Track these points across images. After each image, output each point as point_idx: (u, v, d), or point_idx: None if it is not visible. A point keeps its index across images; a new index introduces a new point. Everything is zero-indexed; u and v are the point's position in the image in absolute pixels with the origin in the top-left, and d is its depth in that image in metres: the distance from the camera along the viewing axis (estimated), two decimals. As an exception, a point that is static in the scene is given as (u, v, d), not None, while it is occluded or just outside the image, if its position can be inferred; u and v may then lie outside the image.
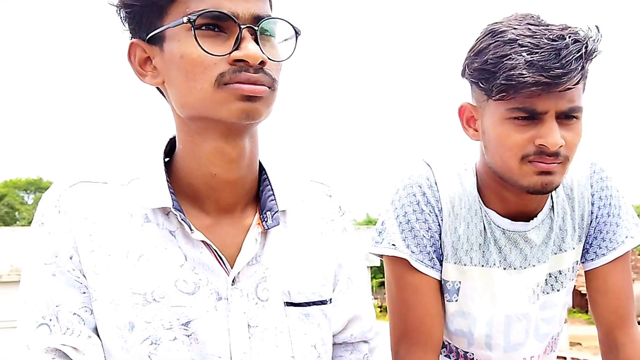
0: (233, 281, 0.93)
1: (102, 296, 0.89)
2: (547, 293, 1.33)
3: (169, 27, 0.85)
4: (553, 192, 1.23)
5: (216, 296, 0.92)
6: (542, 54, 1.03)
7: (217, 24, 0.85)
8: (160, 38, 0.88)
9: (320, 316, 1.00)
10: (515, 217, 1.24)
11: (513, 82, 1.04)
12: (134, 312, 0.88)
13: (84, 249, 0.90)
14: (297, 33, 0.90)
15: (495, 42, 1.08)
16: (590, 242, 1.32)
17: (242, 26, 0.84)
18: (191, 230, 0.91)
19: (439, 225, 1.25)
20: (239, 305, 0.93)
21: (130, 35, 0.93)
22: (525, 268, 1.28)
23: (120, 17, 0.92)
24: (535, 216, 1.25)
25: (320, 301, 1.01)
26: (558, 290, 1.34)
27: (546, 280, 1.31)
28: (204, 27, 0.84)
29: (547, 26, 1.08)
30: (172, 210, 0.90)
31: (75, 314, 0.89)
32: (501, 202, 1.24)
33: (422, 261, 1.24)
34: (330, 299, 1.03)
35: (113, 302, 0.89)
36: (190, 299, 0.90)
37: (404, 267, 1.23)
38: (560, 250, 1.30)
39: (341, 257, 1.07)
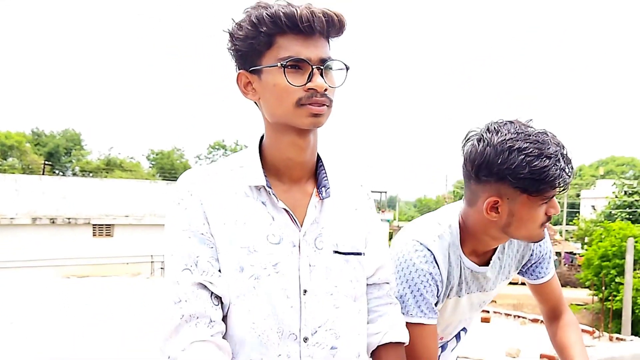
0: (303, 235, 1.34)
1: (223, 250, 1.28)
2: (485, 302, 1.91)
3: (267, 67, 1.26)
4: (500, 247, 1.78)
5: (292, 245, 1.32)
6: (567, 167, 1.49)
7: (297, 64, 1.24)
8: (259, 71, 1.28)
9: (355, 262, 1.40)
10: (478, 262, 1.74)
11: (555, 188, 1.49)
12: (243, 259, 1.28)
13: (211, 219, 1.29)
14: (347, 68, 1.31)
15: (529, 155, 1.46)
16: (532, 269, 1.89)
17: (313, 66, 1.24)
18: (277, 200, 1.32)
19: (440, 287, 1.67)
20: (305, 251, 1.33)
21: (237, 66, 1.33)
22: (481, 292, 1.80)
23: (232, 55, 1.32)
24: (490, 261, 1.76)
25: (357, 252, 1.41)
26: (489, 298, 1.92)
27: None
28: (289, 67, 1.24)
29: (545, 139, 1.49)
30: (265, 187, 1.31)
31: (208, 261, 1.27)
32: (472, 253, 1.72)
33: (431, 317, 1.64)
34: (363, 253, 1.44)
35: (230, 253, 1.28)
36: (276, 247, 1.30)
37: (418, 326, 1.62)
38: (504, 279, 1.86)
39: (370, 226, 1.49)
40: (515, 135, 1.49)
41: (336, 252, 1.37)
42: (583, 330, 9.41)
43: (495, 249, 1.77)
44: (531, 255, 1.87)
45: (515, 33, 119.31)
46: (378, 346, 1.46)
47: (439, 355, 1.98)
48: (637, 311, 21.16)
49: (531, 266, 1.89)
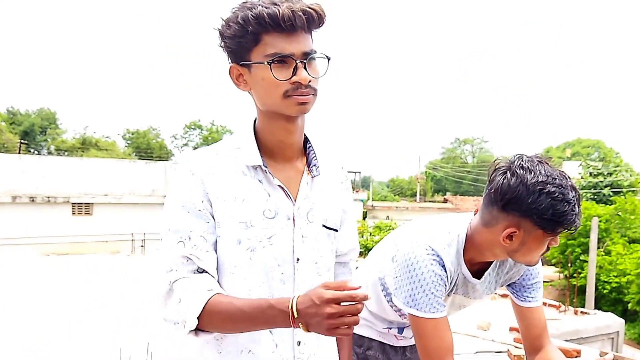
0: (297, 209, 1.46)
1: (222, 225, 1.39)
2: (465, 306, 2.05)
3: (255, 63, 1.36)
4: (497, 264, 1.93)
5: (287, 218, 1.44)
6: (579, 211, 1.64)
7: (282, 59, 1.33)
8: (248, 65, 1.38)
9: (333, 237, 1.57)
10: (471, 271, 1.87)
11: (570, 226, 1.63)
12: (240, 233, 1.39)
13: (212, 196, 1.39)
14: (328, 58, 1.40)
15: (554, 199, 1.59)
16: (520, 289, 1.99)
17: (297, 61, 1.34)
18: (273, 178, 1.43)
19: (446, 287, 1.81)
20: (298, 223, 1.45)
21: (229, 59, 1.42)
22: (465, 296, 1.95)
23: (223, 50, 1.42)
24: (482, 276, 1.90)
25: (335, 229, 1.58)
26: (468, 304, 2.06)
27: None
28: (275, 62, 1.33)
29: (567, 183, 1.62)
30: (262, 166, 1.42)
31: (201, 236, 1.37)
32: (469, 262, 1.84)
33: (442, 311, 1.77)
34: (337, 230, 1.60)
35: (228, 228, 1.39)
36: (272, 221, 1.42)
37: (432, 320, 1.77)
38: (488, 293, 1.99)
39: (346, 206, 1.65)
40: (545, 178, 1.60)
41: (324, 226, 1.52)
42: (550, 305, 9.76)
43: (490, 263, 1.90)
44: (520, 277, 1.99)
45: (512, 27, 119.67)
46: None
47: (404, 329, 2.17)
48: (599, 287, 21.77)
49: (518, 285, 2.00)
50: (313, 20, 1.35)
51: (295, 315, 1.21)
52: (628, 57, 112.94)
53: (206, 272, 1.38)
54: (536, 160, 1.65)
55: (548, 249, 1.72)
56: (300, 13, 1.32)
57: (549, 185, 1.60)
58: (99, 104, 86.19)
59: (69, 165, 20.52)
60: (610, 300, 22.24)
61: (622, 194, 33.31)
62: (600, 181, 36.61)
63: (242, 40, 1.35)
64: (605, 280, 22.38)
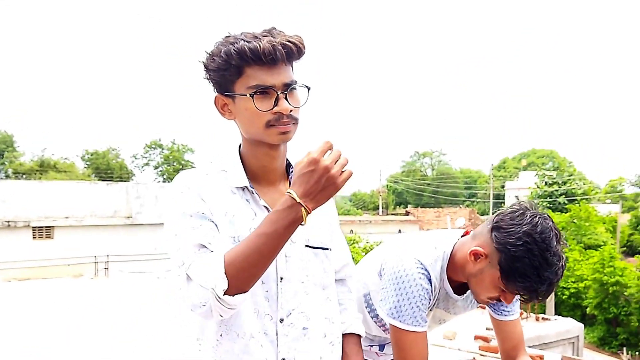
0: None
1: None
2: (445, 320, 2.09)
3: (238, 94, 1.41)
4: None
5: None
6: (548, 285, 1.63)
7: (264, 91, 1.39)
8: (232, 96, 1.43)
9: (323, 256, 1.58)
10: (453, 288, 1.91)
11: (522, 293, 1.66)
12: (229, 247, 1.36)
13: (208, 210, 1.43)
14: (308, 88, 1.45)
15: (529, 261, 1.59)
16: (498, 305, 2.01)
17: (278, 92, 1.39)
18: (259, 199, 1.48)
19: (430, 301, 1.85)
20: None
21: (214, 89, 1.47)
22: (445, 311, 1.99)
23: (208, 81, 1.47)
24: (464, 294, 1.94)
25: (324, 247, 1.59)
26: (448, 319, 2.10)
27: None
28: (258, 93, 1.38)
29: (553, 263, 1.61)
30: (249, 187, 1.48)
31: (211, 228, 1.39)
32: (451, 279, 1.88)
33: (424, 325, 1.81)
34: (330, 248, 1.62)
35: (219, 241, 1.39)
36: None
37: (413, 334, 1.80)
38: (467, 309, 2.04)
39: (333, 225, 1.69)
40: (540, 244, 1.59)
41: (307, 246, 1.54)
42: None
43: None
44: None
45: (509, 34, 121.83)
46: (342, 334, 1.67)
47: (384, 346, 2.20)
48: (559, 293, 22.26)
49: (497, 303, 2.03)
50: (293, 53, 1.40)
51: (298, 199, 1.24)
52: (577, 69, 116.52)
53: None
54: (554, 229, 1.64)
55: (499, 300, 1.77)
56: (280, 47, 1.37)
57: (536, 248, 1.60)
58: (56, 125, 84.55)
59: (28, 188, 20.02)
60: (569, 305, 22.77)
61: (576, 202, 34.19)
62: (556, 190, 37.52)
63: (225, 73, 1.41)
64: (564, 286, 22.91)
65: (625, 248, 36.71)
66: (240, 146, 1.55)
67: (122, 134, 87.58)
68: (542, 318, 9.79)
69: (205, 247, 1.35)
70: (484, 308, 2.05)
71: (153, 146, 51.07)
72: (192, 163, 48.42)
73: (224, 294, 1.27)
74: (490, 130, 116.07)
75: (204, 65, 1.45)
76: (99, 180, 38.59)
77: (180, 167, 47.89)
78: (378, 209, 50.61)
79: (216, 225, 1.41)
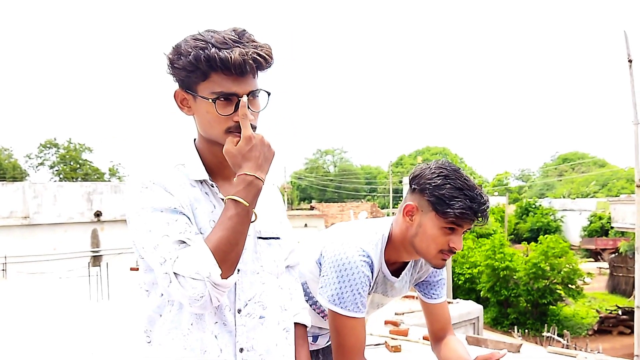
0: None
1: None
2: (382, 304, 2.11)
3: (200, 96, 1.38)
4: (412, 264, 2.01)
5: None
6: (479, 204, 1.71)
7: (227, 97, 1.36)
8: (194, 95, 1.40)
9: (276, 245, 1.59)
10: (391, 271, 1.93)
11: (460, 216, 1.69)
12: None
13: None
14: (269, 94, 1.44)
15: (450, 184, 1.70)
16: (426, 287, 2.08)
17: (240, 98, 1.36)
18: (218, 192, 1.47)
19: (370, 286, 1.86)
20: None
21: (177, 82, 1.43)
22: (383, 295, 2.01)
23: (171, 75, 1.42)
24: (400, 274, 1.97)
25: (276, 237, 1.60)
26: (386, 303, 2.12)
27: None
28: (221, 99, 1.36)
29: (474, 186, 1.73)
30: (209, 180, 1.47)
31: (186, 223, 1.36)
32: (389, 261, 1.90)
33: (363, 311, 1.81)
34: (281, 237, 1.62)
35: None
36: None
37: (353, 319, 1.81)
38: (403, 292, 2.06)
39: (281, 216, 1.69)
40: (453, 172, 1.74)
41: (259, 237, 1.54)
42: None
43: (406, 264, 1.98)
44: (428, 275, 2.09)
45: (402, 34, 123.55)
46: None
47: (318, 337, 2.20)
48: (455, 279, 23.30)
49: (425, 283, 2.09)
50: (261, 65, 1.39)
51: (254, 174, 1.34)
52: (467, 70, 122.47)
53: None
54: (458, 168, 1.78)
55: (451, 251, 1.78)
56: (251, 61, 1.35)
57: (452, 175, 1.73)
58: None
59: None
60: (465, 289, 23.90)
61: (468, 194, 35.77)
62: (449, 183, 39.04)
63: (190, 75, 1.37)
64: (460, 272, 24.04)
65: (512, 236, 39.09)
66: (195, 141, 1.52)
67: (15, 134, 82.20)
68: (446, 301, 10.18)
69: (185, 242, 1.32)
70: (414, 291, 2.12)
71: (48, 145, 48.28)
72: (91, 162, 46.44)
73: (221, 280, 1.28)
74: (387, 128, 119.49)
75: (168, 60, 1.40)
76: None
77: (78, 166, 45.90)
78: (284, 204, 50.56)
79: (189, 218, 1.38)
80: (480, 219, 1.73)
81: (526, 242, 27.60)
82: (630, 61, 3.64)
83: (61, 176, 45.61)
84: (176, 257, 1.29)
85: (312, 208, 41.83)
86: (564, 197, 49.33)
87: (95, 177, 45.00)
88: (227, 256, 1.31)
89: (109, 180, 44.66)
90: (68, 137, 50.94)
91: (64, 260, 17.65)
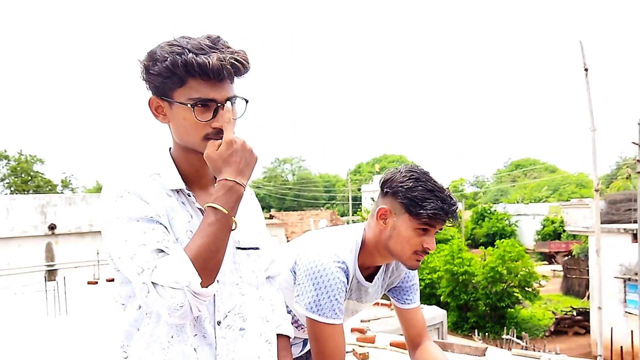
0: None
1: None
2: (357, 311, 2.12)
3: (177, 102, 1.35)
4: (384, 268, 2.02)
5: None
6: (449, 204, 1.75)
7: (205, 104, 1.34)
8: (170, 102, 1.37)
9: (255, 256, 1.55)
10: (365, 279, 1.96)
11: (433, 217, 1.72)
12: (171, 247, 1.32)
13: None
14: (247, 101, 1.42)
15: (422, 186, 1.74)
16: (399, 293, 2.09)
17: (218, 104, 1.35)
18: (195, 201, 1.44)
19: (346, 294, 1.85)
20: None
21: (149, 90, 1.39)
22: (358, 301, 2.02)
23: (144, 82, 1.39)
24: (373, 279, 1.97)
25: (255, 247, 1.57)
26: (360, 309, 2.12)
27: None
28: (198, 105, 1.34)
29: (443, 188, 1.78)
30: (185, 189, 1.44)
31: (163, 232, 1.32)
32: (362, 266, 1.92)
33: (341, 318, 1.81)
34: (260, 247, 1.59)
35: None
36: None
37: (331, 326, 1.79)
38: (376, 298, 2.08)
39: (260, 226, 1.66)
40: (422, 175, 1.78)
41: (238, 247, 1.50)
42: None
43: (379, 268, 1.97)
44: (400, 280, 2.09)
45: (360, 40, 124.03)
46: None
47: (291, 346, 2.15)
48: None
49: (398, 289, 2.09)
50: (239, 71, 1.37)
51: (234, 179, 1.32)
52: (423, 79, 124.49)
53: None
54: (427, 171, 1.81)
55: (425, 252, 1.79)
56: (229, 66, 1.33)
57: (422, 177, 1.76)
58: None
59: None
60: (425, 295, 24.08)
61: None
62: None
63: (167, 81, 1.34)
64: (420, 277, 24.22)
65: (469, 241, 39.75)
66: (170, 149, 1.49)
67: (-39, 145, 79.24)
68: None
69: (163, 251, 1.28)
70: (387, 298, 2.12)
71: (-2, 157, 46.68)
72: (43, 174, 45.15)
73: (201, 289, 1.25)
74: (345, 137, 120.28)
75: (143, 66, 1.37)
76: None
77: (29, 178, 44.54)
78: (242, 214, 50.12)
79: (165, 227, 1.34)
80: (451, 219, 1.75)
81: (483, 247, 28.04)
82: (586, 70, 3.68)
83: (12, 189, 44.21)
84: (154, 266, 1.25)
85: (271, 217, 41.64)
86: (517, 202, 50.44)
87: (48, 189, 43.76)
88: (207, 264, 1.28)
89: (62, 192, 43.56)
90: (19, 149, 49.63)
91: (18, 275, 17.05)
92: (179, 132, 1.40)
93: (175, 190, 1.43)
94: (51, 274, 18.05)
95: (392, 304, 2.14)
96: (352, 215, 46.44)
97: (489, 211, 43.67)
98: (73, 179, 47.08)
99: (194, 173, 1.46)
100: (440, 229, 1.80)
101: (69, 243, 19.57)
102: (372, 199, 48.87)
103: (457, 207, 1.77)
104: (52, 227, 19.40)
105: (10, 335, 6.73)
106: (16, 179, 45.32)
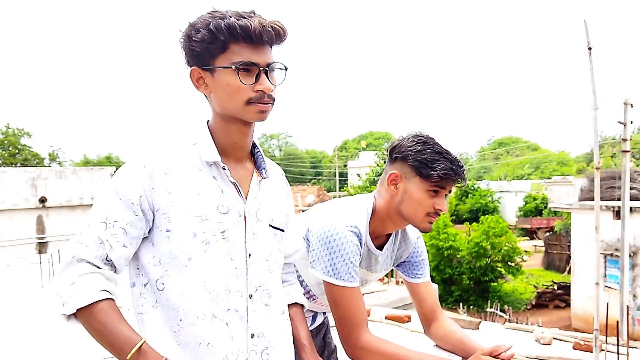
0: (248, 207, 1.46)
1: (178, 217, 1.36)
2: (368, 281, 2.11)
3: (220, 67, 1.36)
4: (394, 238, 2.03)
5: (238, 215, 1.44)
6: (457, 165, 1.77)
7: (247, 68, 1.36)
8: (211, 69, 1.38)
9: (280, 237, 1.57)
10: (376, 247, 1.97)
11: (444, 177, 1.74)
12: (196, 226, 1.37)
13: (163, 191, 1.37)
14: (286, 68, 1.43)
15: (430, 149, 1.76)
16: (409, 267, 2.10)
17: (261, 69, 1.37)
18: (229, 175, 1.43)
19: (360, 258, 1.87)
20: (249, 220, 1.46)
21: (188, 61, 1.41)
22: (368, 270, 2.02)
23: (184, 52, 1.40)
24: (383, 247, 1.98)
25: (282, 229, 1.59)
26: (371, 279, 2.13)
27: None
28: (242, 69, 1.35)
29: (449, 151, 1.80)
30: (220, 163, 1.42)
31: (123, 228, 1.34)
32: (372, 234, 1.93)
33: (357, 281, 1.82)
34: (284, 230, 1.60)
35: (184, 220, 1.37)
36: (225, 216, 1.42)
37: (349, 289, 1.81)
38: (386, 268, 2.09)
39: (288, 210, 1.66)
40: (430, 139, 1.80)
41: (271, 225, 1.53)
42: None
43: (389, 237, 1.97)
44: (409, 255, 2.09)
45: (350, 21, 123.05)
46: (288, 304, 1.69)
47: (316, 317, 2.21)
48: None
49: (407, 263, 2.09)
50: (278, 36, 1.39)
51: None
52: (409, 56, 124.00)
53: (112, 263, 1.34)
54: (432, 136, 1.83)
55: (437, 214, 1.79)
56: (270, 29, 1.36)
57: (430, 141, 1.80)
58: None
59: None
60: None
61: (412, 176, 36.36)
62: (394, 166, 39.62)
63: (210, 46, 1.35)
64: (407, 252, 24.35)
65: (453, 217, 40.04)
66: (208, 122, 1.50)
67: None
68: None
69: (104, 244, 1.33)
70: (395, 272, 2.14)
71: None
72: (30, 147, 44.59)
73: (68, 315, 1.29)
74: (331, 113, 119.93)
75: (186, 35, 1.38)
76: None
77: (17, 151, 43.98)
78: (229, 189, 49.99)
79: (144, 219, 1.37)
80: (459, 180, 1.77)
81: (468, 223, 28.29)
82: (590, 49, 3.68)
83: (0, 162, 43.65)
84: (86, 257, 1.31)
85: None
86: (500, 180, 50.89)
87: (35, 162, 43.25)
88: (87, 323, 1.30)
89: (49, 166, 43.11)
90: (6, 122, 48.85)
91: (10, 247, 16.94)
92: (222, 100, 1.39)
93: (209, 163, 1.43)
94: (42, 247, 17.96)
95: (403, 279, 2.14)
96: (339, 190, 46.56)
97: (472, 188, 43.99)
98: (61, 152, 46.66)
99: (232, 145, 1.46)
100: (450, 191, 1.82)
101: (60, 216, 19.44)
102: (358, 175, 48.99)
103: (464, 169, 1.78)
104: (42, 200, 19.24)
105: (6, 306, 6.69)
106: (3, 152, 44.76)
